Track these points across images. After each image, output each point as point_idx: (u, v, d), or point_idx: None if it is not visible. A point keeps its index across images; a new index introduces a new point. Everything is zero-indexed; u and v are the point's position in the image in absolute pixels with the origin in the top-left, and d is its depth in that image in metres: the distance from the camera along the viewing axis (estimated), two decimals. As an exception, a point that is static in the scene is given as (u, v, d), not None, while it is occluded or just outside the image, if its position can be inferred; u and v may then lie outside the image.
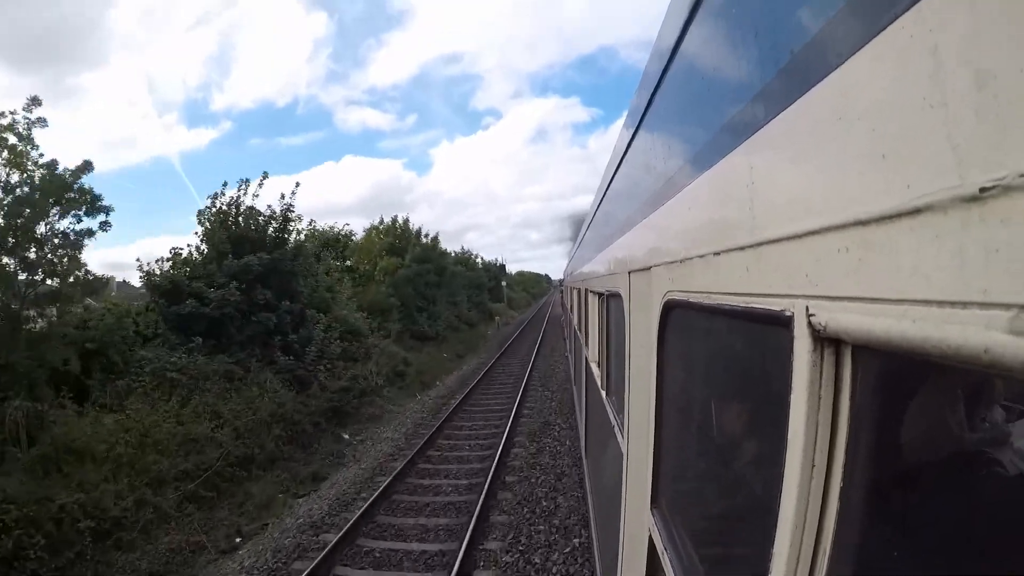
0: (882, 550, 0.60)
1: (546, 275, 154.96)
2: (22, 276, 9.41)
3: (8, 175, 9.28)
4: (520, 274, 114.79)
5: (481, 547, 6.33)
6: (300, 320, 13.54)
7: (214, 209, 13.27)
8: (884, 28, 0.47)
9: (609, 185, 3.38)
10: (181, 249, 12.68)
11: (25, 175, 9.42)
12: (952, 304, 0.41)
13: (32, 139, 9.42)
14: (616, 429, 2.76)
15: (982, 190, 0.37)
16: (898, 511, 0.60)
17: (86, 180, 10.04)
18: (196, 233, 13.17)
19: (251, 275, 12.19)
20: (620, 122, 2.81)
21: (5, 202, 9.18)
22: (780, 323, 0.71)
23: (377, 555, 6.35)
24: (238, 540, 7.40)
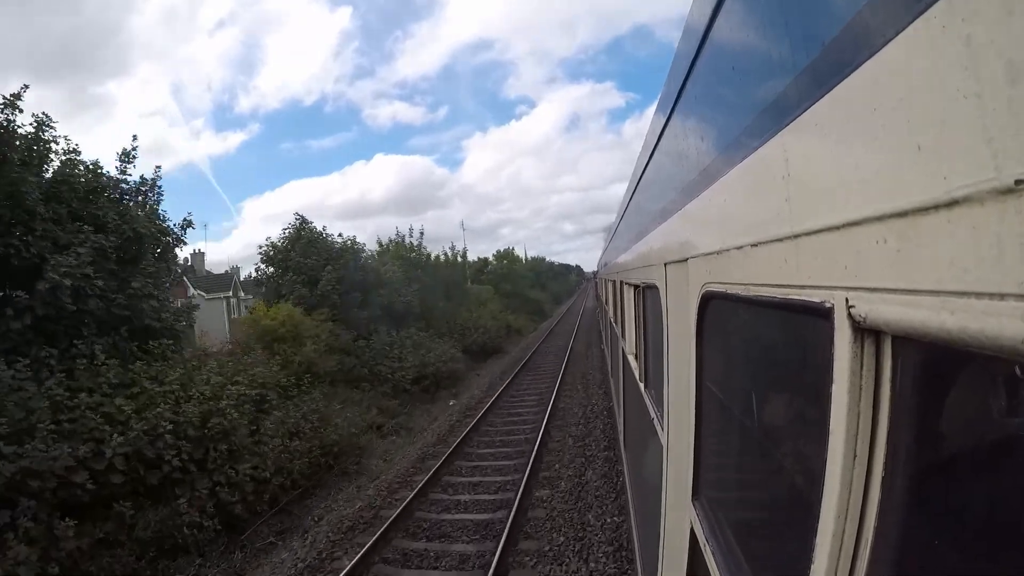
0: (924, 540, 0.60)
1: (576, 266, 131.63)
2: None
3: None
4: (503, 257, 49.23)
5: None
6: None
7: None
8: (916, 17, 0.47)
9: (642, 174, 3.33)
10: None
11: None
12: (990, 296, 0.41)
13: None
14: (655, 422, 2.75)
15: (1017, 183, 0.37)
16: (939, 501, 0.60)
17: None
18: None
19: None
20: (654, 107, 2.76)
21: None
22: (820, 314, 0.71)
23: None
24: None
